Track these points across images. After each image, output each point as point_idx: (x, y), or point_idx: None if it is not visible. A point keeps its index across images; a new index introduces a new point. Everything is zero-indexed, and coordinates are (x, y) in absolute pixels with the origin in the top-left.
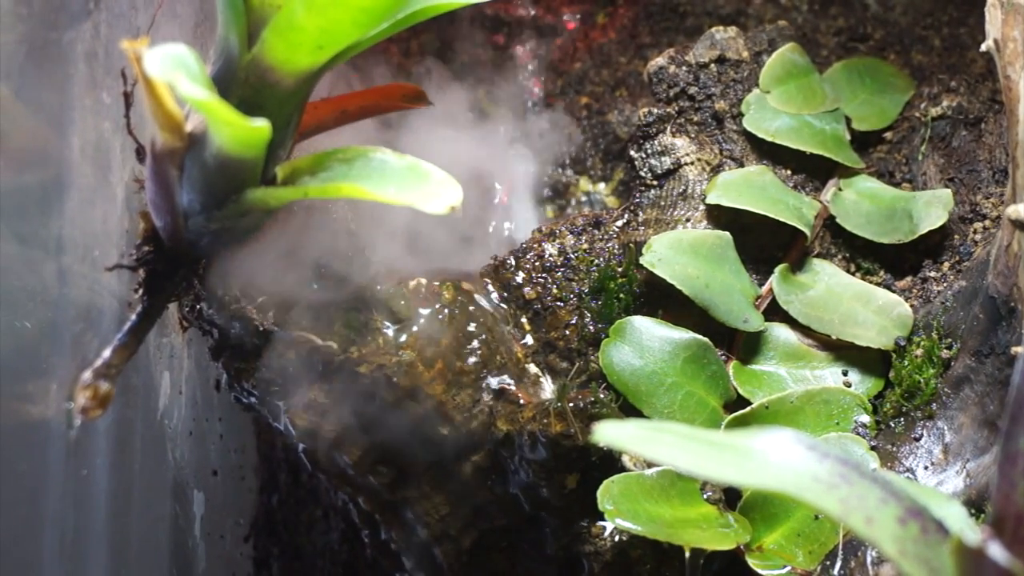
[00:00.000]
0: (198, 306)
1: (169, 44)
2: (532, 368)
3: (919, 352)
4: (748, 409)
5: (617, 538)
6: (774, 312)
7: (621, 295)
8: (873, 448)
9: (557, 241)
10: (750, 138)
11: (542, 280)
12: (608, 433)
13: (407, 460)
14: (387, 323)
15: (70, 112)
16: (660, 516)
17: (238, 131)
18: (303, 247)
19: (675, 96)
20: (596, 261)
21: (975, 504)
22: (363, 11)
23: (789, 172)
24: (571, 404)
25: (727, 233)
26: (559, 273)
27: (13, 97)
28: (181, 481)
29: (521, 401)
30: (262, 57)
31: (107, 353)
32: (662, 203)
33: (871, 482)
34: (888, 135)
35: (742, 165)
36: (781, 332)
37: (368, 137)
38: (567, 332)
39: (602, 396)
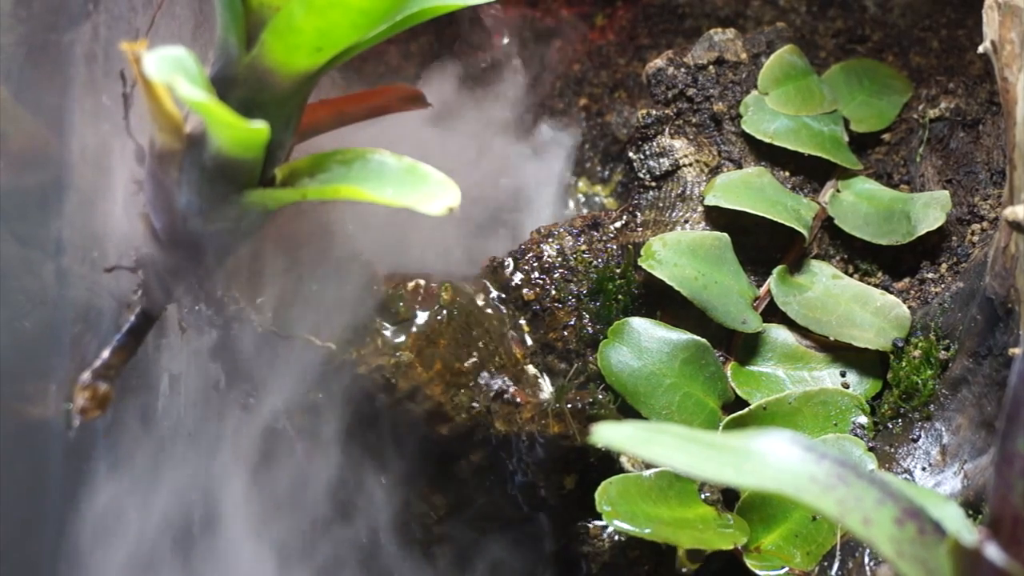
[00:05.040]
0: (197, 307)
1: (168, 46)
2: (530, 369)
3: (917, 353)
4: (746, 410)
5: (615, 539)
6: (772, 313)
7: (619, 296)
8: (871, 449)
9: (555, 242)
10: (748, 140)
11: (540, 281)
12: (606, 434)
13: (405, 461)
14: (386, 324)
15: (69, 114)
16: (658, 517)
17: (237, 133)
18: (301, 248)
19: (673, 98)
20: (595, 262)
21: (973, 505)
22: (361, 13)
23: (787, 174)
24: (569, 405)
25: (725, 234)
26: (557, 274)
27: (13, 99)
28: (180, 482)
29: (519, 402)
30: (261, 59)
31: (106, 354)
32: (660, 204)
33: (868, 483)
34: (886, 137)
35: (740, 167)
36: (779, 333)
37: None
38: (565, 333)
39: (600, 397)
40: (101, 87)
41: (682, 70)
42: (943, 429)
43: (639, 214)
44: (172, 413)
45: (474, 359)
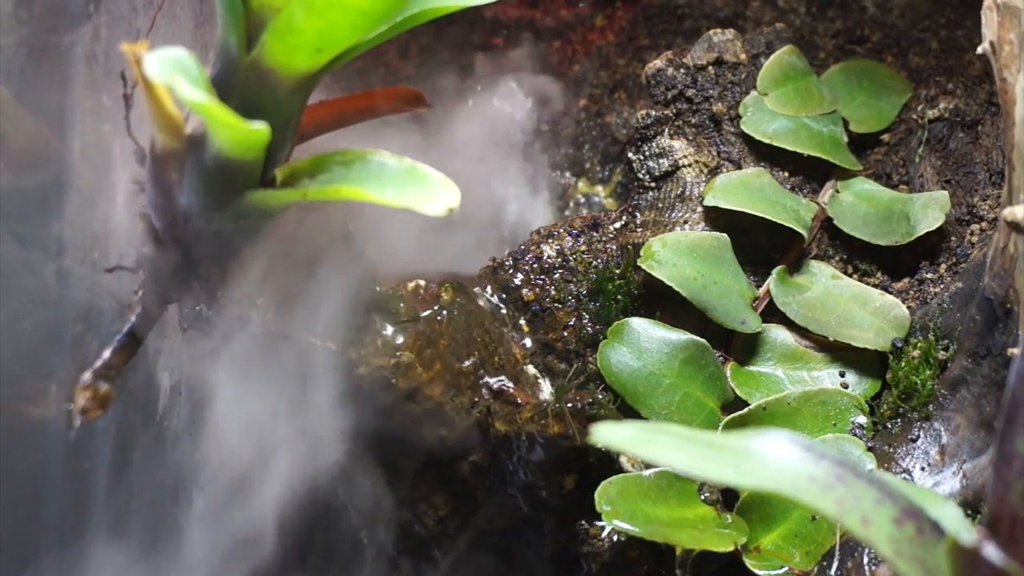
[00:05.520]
0: (197, 307)
1: (169, 47)
2: (530, 369)
3: (916, 353)
4: (745, 410)
5: (615, 539)
6: (771, 314)
7: (619, 296)
8: (870, 449)
9: (555, 243)
10: (748, 140)
11: (540, 282)
12: (606, 434)
13: (406, 461)
14: (386, 324)
15: (70, 114)
16: (657, 517)
17: (237, 133)
18: (302, 249)
19: (673, 98)
20: (594, 263)
21: (971, 505)
22: (361, 14)
23: (787, 174)
24: (569, 405)
25: (725, 235)
26: (557, 275)
27: (14, 99)
28: (181, 483)
29: (519, 402)
30: (261, 60)
31: (107, 354)
32: (660, 205)
33: (867, 483)
34: (885, 137)
35: (740, 167)
36: (778, 333)
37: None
38: (565, 333)
39: (600, 397)
40: (102, 88)
41: (681, 71)
42: (942, 429)
43: (639, 215)
44: (173, 413)
45: (474, 359)
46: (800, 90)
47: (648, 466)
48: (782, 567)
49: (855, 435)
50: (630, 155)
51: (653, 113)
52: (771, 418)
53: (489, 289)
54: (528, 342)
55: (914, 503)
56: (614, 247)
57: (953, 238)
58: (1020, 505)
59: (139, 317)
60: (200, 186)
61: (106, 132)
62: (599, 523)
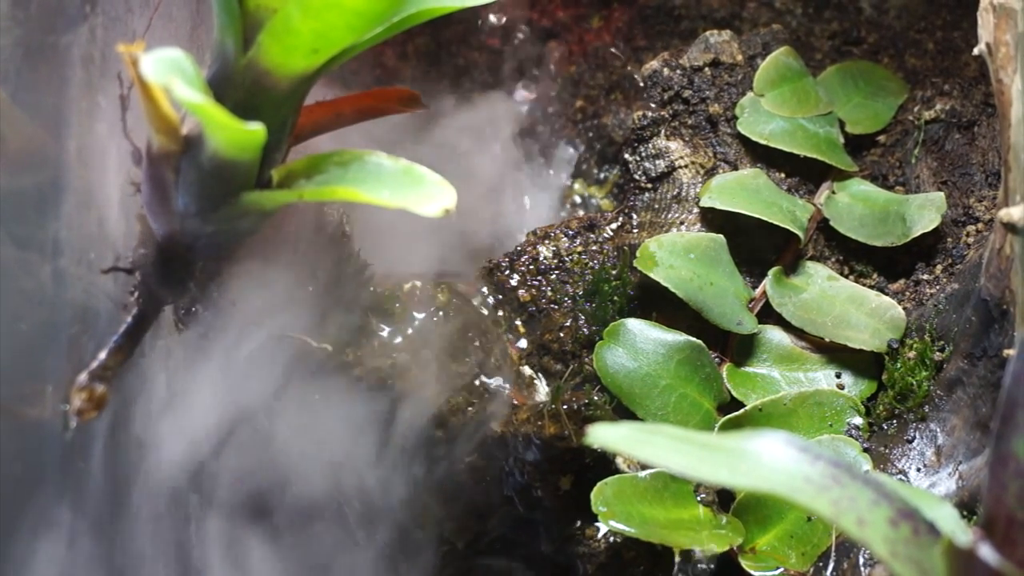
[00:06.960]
0: (194, 308)
1: (165, 48)
2: (526, 370)
3: (912, 354)
4: (741, 411)
5: (611, 540)
6: (767, 315)
7: (615, 297)
8: (866, 450)
9: (551, 244)
10: (744, 141)
11: (536, 283)
12: (602, 435)
13: (401, 462)
14: (382, 325)
15: (66, 115)
16: (653, 518)
17: (233, 134)
18: (298, 250)
19: (669, 99)
20: (590, 264)
21: (967, 506)
22: (358, 15)
23: (783, 175)
24: (565, 406)
25: (721, 236)
26: (553, 276)
27: (10, 100)
28: (177, 484)
29: (515, 403)
30: (257, 61)
31: (103, 355)
32: (656, 206)
33: (863, 484)
34: (881, 138)
35: (736, 168)
36: (774, 334)
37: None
38: (561, 334)
39: (596, 398)
40: (98, 89)
41: (678, 72)
42: (938, 430)
43: (635, 216)
44: (169, 414)
45: (470, 360)
46: (796, 91)
47: (644, 467)
48: (778, 568)
49: (851, 436)
50: (626, 156)
51: (649, 114)
52: (767, 419)
53: (485, 290)
54: (524, 343)
55: (910, 504)
56: (610, 248)
57: (949, 239)
58: (1016, 506)
59: (135, 318)
60: (196, 187)
61: (102, 133)
62: (595, 524)
